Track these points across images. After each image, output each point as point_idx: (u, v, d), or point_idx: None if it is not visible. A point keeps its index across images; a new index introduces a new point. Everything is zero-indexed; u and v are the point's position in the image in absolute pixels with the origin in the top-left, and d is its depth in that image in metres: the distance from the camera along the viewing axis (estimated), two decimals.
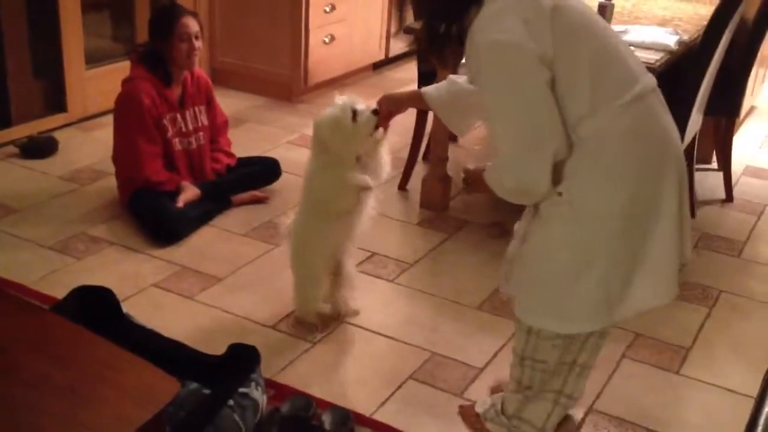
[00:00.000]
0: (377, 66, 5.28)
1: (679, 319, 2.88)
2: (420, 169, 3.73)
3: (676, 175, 1.91)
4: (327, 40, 4.62)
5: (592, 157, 1.85)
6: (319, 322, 2.68)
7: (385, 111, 2.39)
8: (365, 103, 2.42)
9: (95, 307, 2.30)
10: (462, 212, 3.52)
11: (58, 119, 4.09)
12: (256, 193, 3.50)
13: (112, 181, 3.50)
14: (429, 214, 3.49)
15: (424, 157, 3.84)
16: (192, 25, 3.24)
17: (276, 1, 4.51)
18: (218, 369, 2.21)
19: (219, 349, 2.27)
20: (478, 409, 2.30)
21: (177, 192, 3.26)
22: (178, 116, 3.31)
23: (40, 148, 3.78)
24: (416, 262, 3.12)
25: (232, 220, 3.33)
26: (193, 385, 2.13)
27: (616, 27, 3.26)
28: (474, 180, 2.08)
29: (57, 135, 3.92)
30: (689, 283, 3.10)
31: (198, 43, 3.26)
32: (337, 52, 4.74)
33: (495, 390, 2.40)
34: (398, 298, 2.91)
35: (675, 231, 1.91)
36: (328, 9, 4.56)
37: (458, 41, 1.95)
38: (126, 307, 2.42)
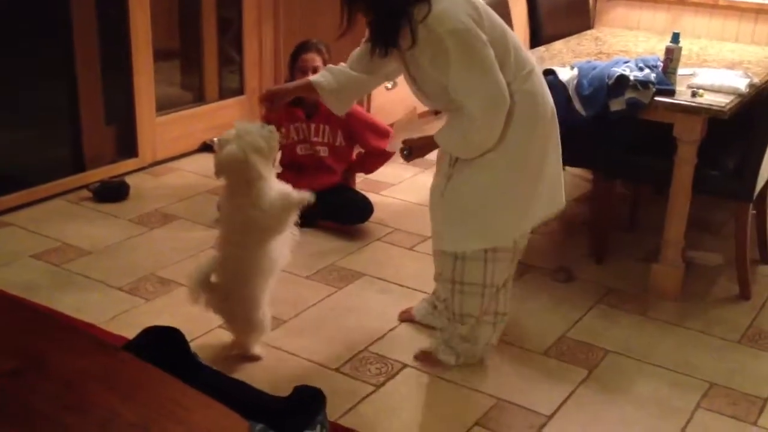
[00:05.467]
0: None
1: (756, 368, 2.78)
2: None
3: (556, 126, 2.54)
4: (390, 86, 4.67)
5: (510, 113, 2.39)
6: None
7: (274, 106, 2.76)
8: (252, 124, 2.56)
9: (164, 347, 2.33)
10: (525, 257, 3.48)
11: (129, 164, 4.22)
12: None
13: (180, 225, 3.59)
14: None
15: None
16: (312, 59, 3.66)
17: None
18: (284, 411, 2.20)
19: (283, 390, 2.27)
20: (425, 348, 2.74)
21: None
22: (303, 126, 3.74)
23: (112, 192, 3.89)
24: None
25: (296, 263, 3.35)
26: (259, 426, 2.13)
27: (683, 70, 3.23)
28: (415, 148, 2.56)
29: (128, 180, 4.03)
30: (764, 331, 3.00)
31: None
32: (398, 98, 4.78)
33: (404, 315, 2.93)
34: None
35: (558, 164, 2.57)
36: None
37: (408, 31, 2.31)
38: (193, 348, 2.44)
